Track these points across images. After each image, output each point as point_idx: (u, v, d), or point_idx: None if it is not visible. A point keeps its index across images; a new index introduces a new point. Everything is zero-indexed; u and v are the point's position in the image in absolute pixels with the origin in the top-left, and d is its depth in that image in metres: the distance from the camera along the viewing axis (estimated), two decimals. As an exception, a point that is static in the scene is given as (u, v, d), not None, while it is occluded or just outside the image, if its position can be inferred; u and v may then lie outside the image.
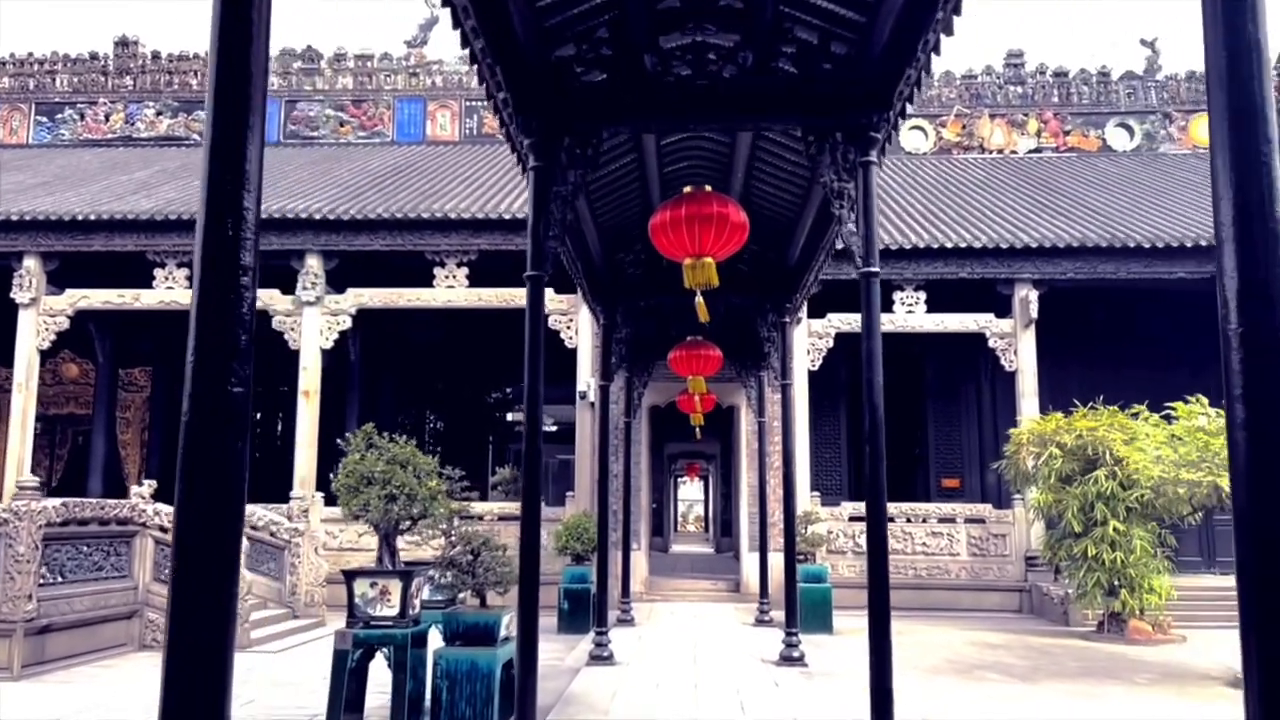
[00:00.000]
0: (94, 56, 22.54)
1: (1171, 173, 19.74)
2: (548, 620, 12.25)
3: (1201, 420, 9.23)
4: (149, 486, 10.62)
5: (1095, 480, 11.06)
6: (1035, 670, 9.07)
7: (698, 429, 12.08)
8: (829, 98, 4.84)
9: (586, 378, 14.79)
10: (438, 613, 6.47)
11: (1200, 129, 21.43)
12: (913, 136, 21.51)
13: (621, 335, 8.57)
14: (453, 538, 6.78)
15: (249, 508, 12.68)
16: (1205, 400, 10.09)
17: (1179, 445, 9.50)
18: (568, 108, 4.89)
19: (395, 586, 5.74)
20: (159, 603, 10.34)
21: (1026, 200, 17.27)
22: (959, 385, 17.26)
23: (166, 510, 10.57)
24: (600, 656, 8.16)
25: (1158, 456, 9.82)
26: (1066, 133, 21.49)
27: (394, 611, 5.73)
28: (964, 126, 21.56)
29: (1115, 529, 10.95)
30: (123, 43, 22.54)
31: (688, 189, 5.57)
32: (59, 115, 22.27)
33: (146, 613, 10.29)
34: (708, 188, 5.67)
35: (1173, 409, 10.29)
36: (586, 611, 10.75)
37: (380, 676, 6.13)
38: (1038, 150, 21.39)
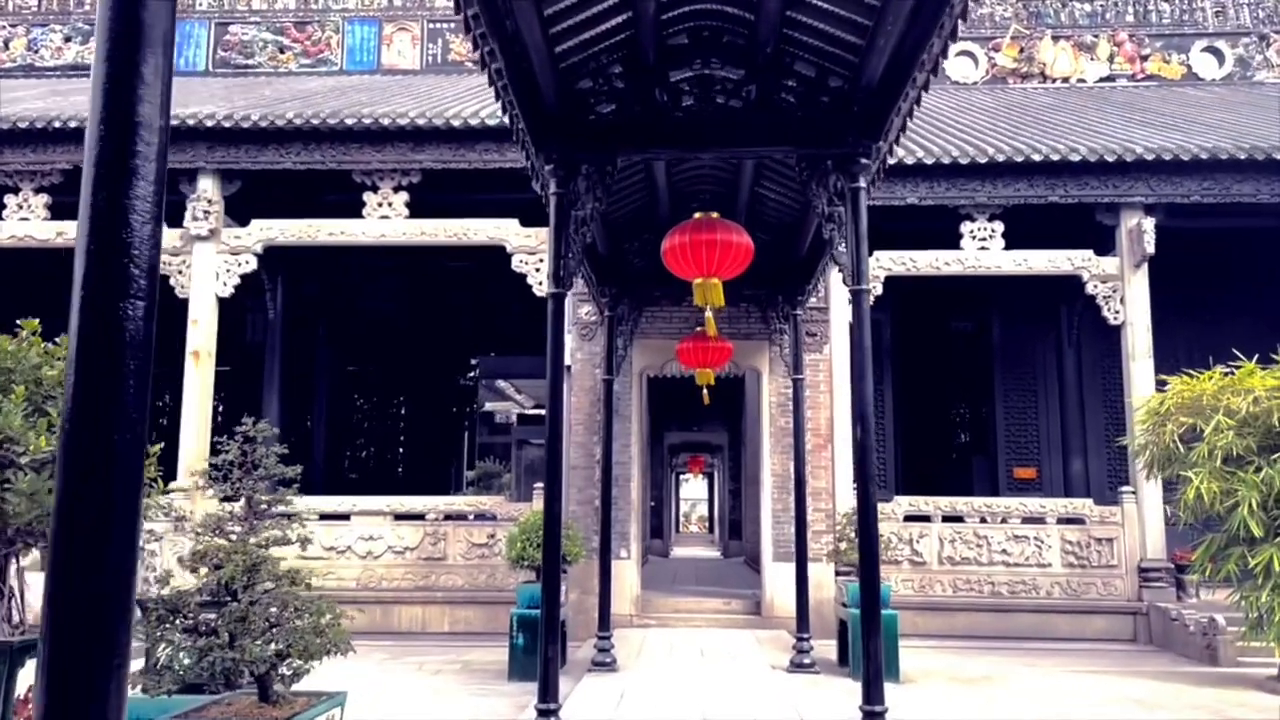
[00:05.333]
0: (-8, -27, 19.10)
1: (1278, 99, 16.23)
2: (496, 655, 8.74)
3: None
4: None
5: (1288, 462, 7.62)
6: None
7: (705, 390, 8.59)
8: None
9: (570, 342, 11.35)
10: (157, 704, 3.04)
11: (1305, 52, 17.91)
12: (960, 64, 17.98)
13: (585, 211, 5.09)
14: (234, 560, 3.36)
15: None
16: None
17: None
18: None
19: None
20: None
21: (1120, 116, 13.78)
22: (1034, 349, 13.77)
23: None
24: (545, 754, 4.69)
25: None
26: (1144, 57, 17.95)
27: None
28: (1021, 50, 18.03)
29: (1316, 533, 7.51)
30: (25, -45, 19.08)
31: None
32: (-51, 42, 18.82)
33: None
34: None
35: None
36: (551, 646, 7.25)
37: None
38: (1110, 79, 17.84)
